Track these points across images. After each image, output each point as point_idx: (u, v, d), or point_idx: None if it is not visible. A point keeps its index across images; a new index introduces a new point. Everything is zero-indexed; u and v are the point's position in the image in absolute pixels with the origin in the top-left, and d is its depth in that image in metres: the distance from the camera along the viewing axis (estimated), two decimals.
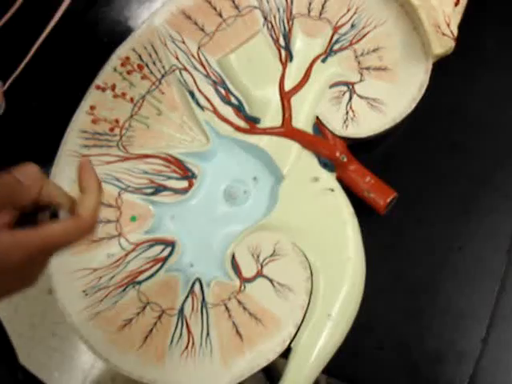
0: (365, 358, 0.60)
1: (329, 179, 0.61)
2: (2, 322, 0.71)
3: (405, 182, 0.63)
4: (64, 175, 0.62)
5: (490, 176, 0.63)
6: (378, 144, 0.64)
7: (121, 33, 0.71)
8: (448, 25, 0.61)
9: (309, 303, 0.58)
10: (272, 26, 0.65)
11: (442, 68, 0.63)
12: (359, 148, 0.63)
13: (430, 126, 0.65)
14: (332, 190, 0.60)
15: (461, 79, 0.66)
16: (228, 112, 0.63)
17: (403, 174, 0.64)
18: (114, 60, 0.65)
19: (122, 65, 0.65)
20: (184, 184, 0.62)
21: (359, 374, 0.60)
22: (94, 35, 0.72)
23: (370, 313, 0.59)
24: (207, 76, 0.64)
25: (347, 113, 0.62)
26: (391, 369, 0.60)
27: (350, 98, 0.62)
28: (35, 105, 0.71)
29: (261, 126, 0.63)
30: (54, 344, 1.08)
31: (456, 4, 0.63)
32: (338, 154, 0.61)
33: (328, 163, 0.61)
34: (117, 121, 0.64)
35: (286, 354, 0.57)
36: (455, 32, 0.62)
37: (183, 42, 0.65)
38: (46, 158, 0.63)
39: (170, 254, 0.61)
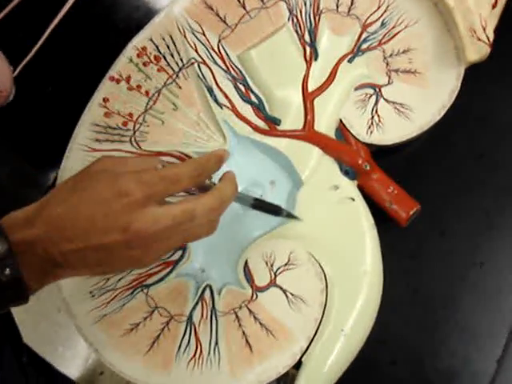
0: (377, 373, 0.59)
1: (349, 188, 0.58)
2: None
3: (428, 192, 0.61)
4: (74, 170, 0.59)
5: None
6: (402, 149, 0.61)
7: (138, 19, 0.68)
8: (484, 29, 0.58)
9: (322, 316, 0.56)
10: (298, 20, 0.61)
11: (473, 73, 0.60)
12: (382, 152, 0.60)
13: (457, 133, 0.62)
14: (352, 200, 0.58)
15: (492, 86, 0.63)
16: (247, 111, 0.61)
17: (427, 182, 0.62)
18: (130, 50, 0.61)
19: (138, 55, 0.61)
20: None
21: None
22: (110, 20, 0.69)
23: (384, 326, 0.58)
24: (227, 71, 0.61)
25: (372, 117, 0.59)
26: None
27: (376, 102, 0.59)
28: (48, 91, 0.68)
29: (281, 127, 0.60)
30: (60, 319, 1.07)
31: (494, 6, 0.60)
32: (360, 162, 0.58)
33: (349, 170, 0.59)
34: (130, 115, 0.61)
35: (298, 365, 0.56)
36: (491, 37, 0.59)
37: (203, 34, 0.61)
38: (57, 149, 0.61)
39: (181, 258, 0.59)
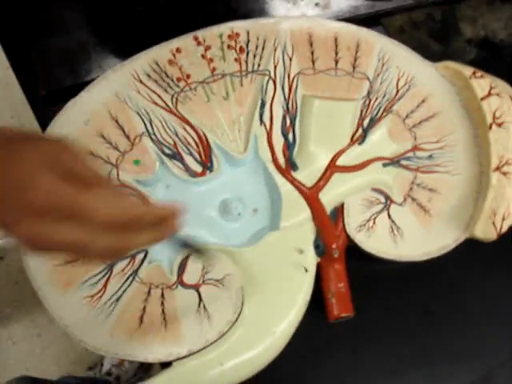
0: None
1: (310, 260, 0.60)
2: None
3: (369, 309, 0.63)
4: (112, 83, 0.62)
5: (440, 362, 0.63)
6: (373, 261, 0.63)
7: (250, 9, 0.71)
8: (503, 219, 0.61)
9: (214, 341, 0.58)
10: (368, 104, 0.64)
11: (468, 244, 0.63)
12: (355, 251, 0.62)
13: (423, 282, 0.65)
14: (306, 271, 0.60)
15: (479, 267, 0.66)
16: (278, 142, 0.63)
17: (375, 301, 0.64)
18: (226, 28, 0.64)
19: (229, 37, 0.64)
20: (198, 169, 0.62)
21: None
22: None
23: None
24: (286, 100, 0.64)
25: (368, 221, 0.61)
26: None
27: (380, 212, 0.62)
28: (140, 10, 0.70)
29: (295, 174, 0.62)
30: None
31: None
32: (334, 246, 0.61)
33: (320, 247, 0.61)
34: (188, 76, 0.63)
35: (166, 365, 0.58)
36: (504, 229, 0.62)
37: (290, 59, 0.64)
38: (113, 58, 0.63)
39: None
